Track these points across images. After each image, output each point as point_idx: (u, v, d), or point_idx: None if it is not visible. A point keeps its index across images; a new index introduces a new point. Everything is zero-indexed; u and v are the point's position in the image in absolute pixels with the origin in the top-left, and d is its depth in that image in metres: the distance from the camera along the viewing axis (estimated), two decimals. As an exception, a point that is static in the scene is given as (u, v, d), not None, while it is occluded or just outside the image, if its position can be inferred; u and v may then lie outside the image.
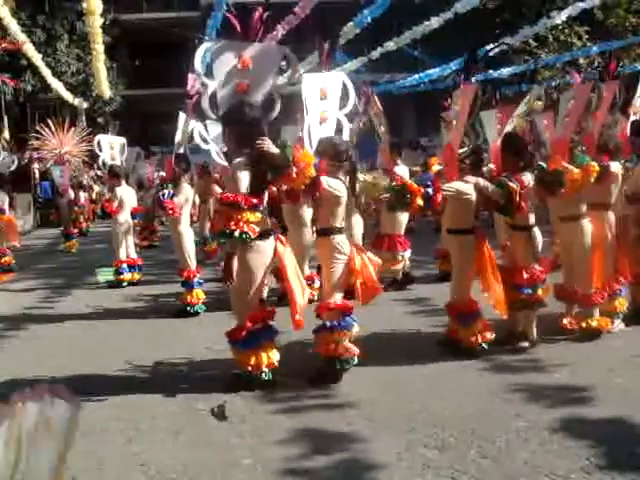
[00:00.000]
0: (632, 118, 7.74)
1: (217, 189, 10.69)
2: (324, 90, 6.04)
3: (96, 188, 24.84)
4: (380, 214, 9.23)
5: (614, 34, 20.36)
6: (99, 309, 8.98)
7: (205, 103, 5.78)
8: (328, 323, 5.42)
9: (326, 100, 6.06)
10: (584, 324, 6.40)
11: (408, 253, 9.33)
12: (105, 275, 11.05)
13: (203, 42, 6.05)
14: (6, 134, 18.42)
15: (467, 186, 5.92)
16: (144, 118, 34.31)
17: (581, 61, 19.41)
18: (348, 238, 5.74)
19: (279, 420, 4.73)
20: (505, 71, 18.20)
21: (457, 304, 6.08)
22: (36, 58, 15.31)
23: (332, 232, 5.50)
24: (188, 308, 8.26)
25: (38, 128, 20.87)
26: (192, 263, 8.53)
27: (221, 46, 5.67)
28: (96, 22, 11.93)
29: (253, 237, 5.02)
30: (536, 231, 6.18)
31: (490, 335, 5.97)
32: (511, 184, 5.83)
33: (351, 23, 12.72)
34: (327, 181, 5.34)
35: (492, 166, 6.97)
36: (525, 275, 6.09)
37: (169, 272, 10.89)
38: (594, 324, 6.38)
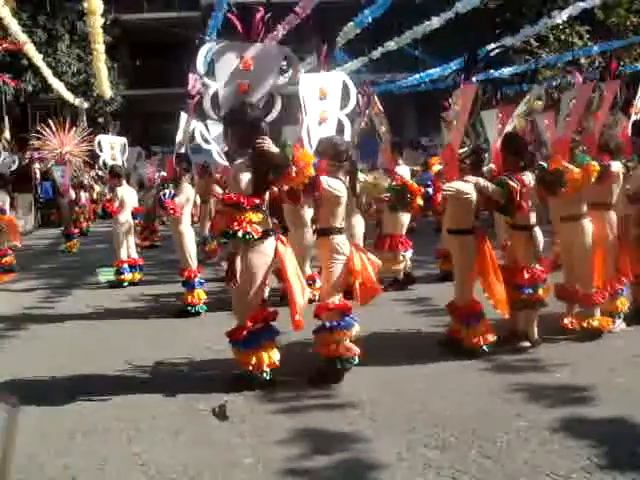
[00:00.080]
0: (633, 118, 7.73)
1: (217, 189, 10.68)
2: (323, 90, 6.03)
3: (97, 188, 24.84)
4: (381, 214, 9.24)
5: (615, 34, 20.35)
6: (100, 309, 8.98)
7: (207, 103, 5.78)
8: (328, 324, 5.41)
9: (326, 100, 6.05)
10: (585, 324, 6.39)
11: (409, 253, 9.33)
12: (106, 275, 11.05)
13: (204, 42, 6.06)
14: (7, 134, 18.43)
15: (467, 186, 5.91)
16: (145, 118, 34.35)
17: (582, 61, 19.39)
18: (348, 238, 5.74)
19: (280, 420, 4.73)
20: (506, 71, 18.21)
21: (460, 305, 6.07)
22: (37, 58, 15.32)
23: (332, 232, 5.50)
24: (189, 308, 8.26)
25: (39, 128, 20.88)
26: (193, 263, 8.53)
27: (223, 47, 5.66)
28: (97, 22, 11.93)
29: (256, 237, 5.03)
30: (537, 231, 6.17)
31: (492, 337, 5.97)
32: (511, 183, 5.83)
33: (352, 23, 12.72)
34: (327, 181, 5.34)
35: (492, 166, 6.97)
36: (526, 275, 6.08)
37: (170, 272, 10.88)
38: (595, 324, 6.38)
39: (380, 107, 8.97)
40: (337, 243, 5.47)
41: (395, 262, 9.18)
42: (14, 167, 15.91)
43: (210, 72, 5.89)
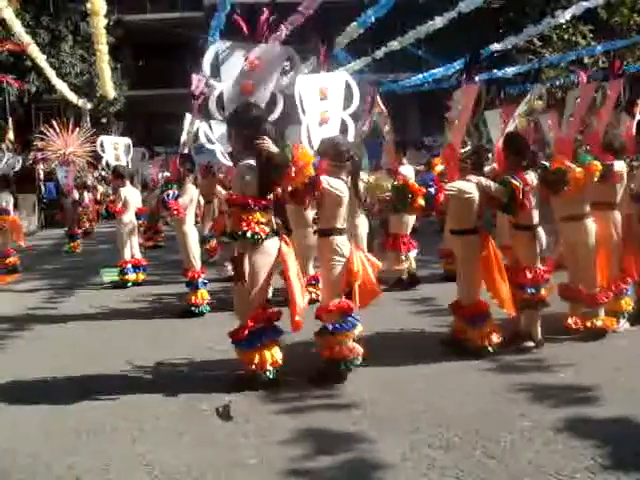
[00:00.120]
0: (638, 117, 7.71)
1: (221, 190, 10.68)
2: (324, 90, 6.02)
3: (100, 189, 24.89)
4: (384, 214, 9.23)
5: (618, 33, 20.31)
6: (103, 309, 8.99)
7: (212, 104, 5.80)
8: (330, 326, 5.40)
9: (327, 100, 6.04)
10: (589, 323, 6.38)
11: (413, 253, 9.33)
12: (109, 275, 11.08)
13: (209, 43, 6.08)
14: (10, 135, 18.47)
15: (469, 185, 5.90)
16: (148, 118, 34.40)
17: (585, 60, 19.38)
18: (351, 239, 5.73)
19: (283, 420, 4.73)
20: (509, 70, 18.17)
21: (465, 305, 6.06)
22: (40, 59, 15.30)
23: (332, 233, 5.47)
24: (193, 308, 8.26)
25: (42, 129, 20.92)
26: (197, 263, 8.53)
27: (229, 47, 5.68)
28: (100, 23, 11.92)
29: (264, 237, 5.05)
30: (540, 231, 6.17)
31: (498, 338, 5.96)
32: (514, 181, 5.83)
33: (355, 23, 12.70)
34: (328, 181, 5.32)
35: (495, 165, 6.96)
36: (528, 275, 6.08)
37: (173, 272, 10.88)
38: (599, 323, 6.38)
39: (383, 107, 8.95)
40: (337, 244, 5.45)
41: (398, 262, 9.19)
42: (18, 168, 15.92)
43: (216, 73, 5.92)
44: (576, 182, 6.02)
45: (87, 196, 20.39)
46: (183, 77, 12.04)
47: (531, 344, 6.14)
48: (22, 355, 6.87)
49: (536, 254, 6.15)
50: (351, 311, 5.44)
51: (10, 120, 20.83)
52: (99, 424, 4.75)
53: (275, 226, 5.32)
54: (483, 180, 5.97)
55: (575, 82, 9.68)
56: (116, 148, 12.36)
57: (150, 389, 5.49)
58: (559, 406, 4.74)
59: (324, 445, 4.26)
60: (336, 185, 5.37)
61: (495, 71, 17.08)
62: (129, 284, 10.57)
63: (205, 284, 8.48)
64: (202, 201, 11.65)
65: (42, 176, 25.18)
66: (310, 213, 7.82)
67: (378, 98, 8.71)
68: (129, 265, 10.66)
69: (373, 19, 12.22)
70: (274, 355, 5.27)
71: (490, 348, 5.91)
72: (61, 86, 18.81)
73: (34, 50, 14.70)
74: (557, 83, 19.01)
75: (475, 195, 5.90)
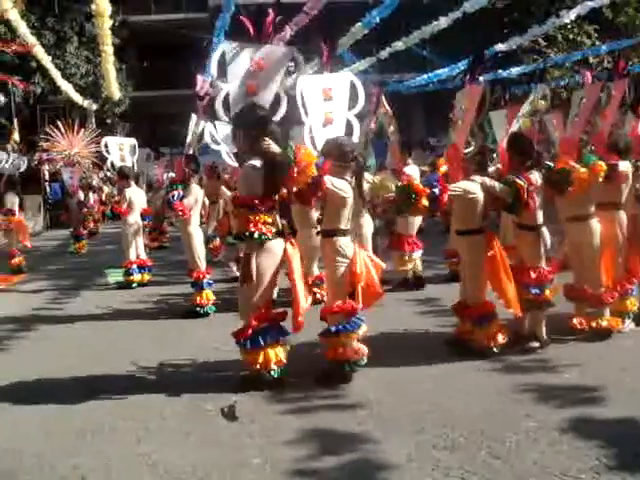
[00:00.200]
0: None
1: (225, 191, 10.69)
2: (327, 91, 6.02)
3: (106, 189, 24.92)
4: (388, 214, 9.22)
5: (624, 33, 20.26)
6: (108, 310, 9.01)
7: (219, 105, 5.81)
8: (333, 327, 5.40)
9: (331, 101, 6.04)
10: (594, 324, 6.38)
11: (418, 254, 9.32)
12: (115, 276, 11.10)
13: (212, 43, 6.10)
14: (16, 136, 18.48)
15: (474, 185, 5.89)
16: (153, 119, 34.44)
17: (591, 60, 19.32)
18: (355, 239, 5.72)
19: (288, 420, 4.73)
20: (514, 71, 18.14)
21: (472, 306, 6.04)
22: (46, 60, 15.32)
23: (335, 234, 5.47)
24: (198, 309, 8.27)
25: (48, 130, 20.95)
26: (202, 264, 8.54)
27: (236, 48, 5.69)
28: (105, 24, 11.92)
29: (271, 238, 5.07)
30: (544, 231, 6.16)
31: (503, 338, 5.95)
32: (518, 181, 5.82)
33: (359, 23, 12.69)
34: (332, 181, 5.30)
35: (499, 166, 6.95)
36: (532, 275, 6.07)
37: (179, 273, 10.89)
38: (604, 324, 6.37)
39: (388, 107, 8.95)
40: (340, 245, 5.44)
41: (402, 262, 9.19)
42: (23, 169, 15.95)
43: (222, 73, 5.93)
44: (580, 182, 6.01)
45: (92, 197, 20.42)
46: (188, 78, 12.07)
47: (536, 344, 6.13)
48: (27, 355, 6.89)
49: (540, 254, 6.14)
50: (355, 312, 5.44)
51: (15, 121, 20.84)
52: (104, 424, 4.76)
53: (281, 227, 5.33)
54: (487, 180, 5.97)
55: (580, 82, 9.65)
56: (121, 149, 12.38)
57: (155, 389, 5.50)
58: (564, 406, 4.74)
59: (329, 445, 4.26)
60: (340, 186, 5.36)
61: (500, 71, 17.06)
62: (134, 285, 10.58)
63: (210, 285, 8.49)
64: (207, 202, 11.67)
65: (47, 177, 25.20)
66: (315, 214, 7.84)
67: (383, 98, 8.71)
68: (134, 266, 10.67)
69: (378, 19, 12.21)
70: (278, 354, 5.28)
71: (495, 348, 5.90)
72: (66, 87, 18.84)
73: (39, 51, 14.72)
74: (562, 83, 18.96)
75: (480, 195, 5.89)
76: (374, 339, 6.09)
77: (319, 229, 5.70)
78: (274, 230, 5.15)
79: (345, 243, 5.46)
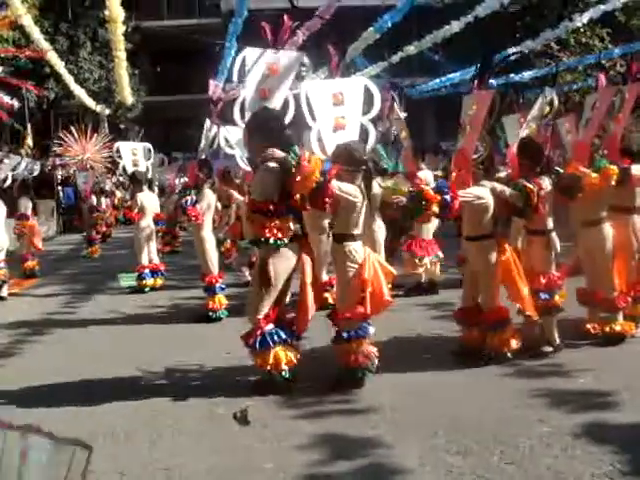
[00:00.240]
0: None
1: (237, 195, 10.69)
2: (338, 96, 6.00)
3: (118, 194, 25.01)
4: (400, 220, 9.19)
5: (637, 36, 20.17)
6: (121, 314, 9.03)
7: (236, 111, 5.85)
8: (345, 334, 5.40)
9: (342, 106, 6.01)
10: (608, 328, 6.35)
11: (431, 258, 9.26)
12: (127, 280, 11.13)
13: (231, 48, 6.13)
14: (29, 141, 18.58)
15: (484, 191, 5.86)
16: (165, 124, 34.57)
17: (603, 62, 19.24)
18: (367, 244, 5.70)
19: (301, 425, 4.73)
20: (526, 75, 18.11)
21: (487, 311, 6.01)
22: (59, 66, 15.41)
23: (345, 239, 5.46)
24: (210, 314, 8.28)
25: (61, 135, 21.04)
26: (214, 268, 8.55)
27: (255, 53, 5.73)
28: (118, 29, 11.98)
29: (286, 243, 5.10)
30: (554, 236, 6.14)
31: (517, 344, 5.92)
32: (529, 185, 5.81)
33: (371, 28, 12.70)
34: (339, 186, 5.26)
35: (510, 171, 6.93)
36: (542, 280, 6.05)
37: (191, 277, 10.91)
38: (618, 328, 6.34)
39: (399, 113, 8.92)
40: (350, 250, 5.42)
41: (412, 264, 9.14)
42: (36, 173, 16.03)
43: (242, 79, 5.97)
44: (592, 187, 5.99)
45: (104, 201, 20.49)
46: (200, 83, 12.11)
47: (549, 349, 6.11)
48: (40, 359, 6.91)
49: (550, 260, 6.12)
50: (366, 318, 5.43)
51: (29, 126, 20.96)
52: (117, 428, 4.78)
53: (296, 231, 5.36)
54: (497, 185, 5.95)
55: (593, 86, 9.61)
56: (135, 154, 12.40)
57: (168, 394, 5.51)
58: (578, 411, 4.72)
59: (341, 450, 4.26)
60: (348, 190, 5.33)
61: (512, 75, 17.03)
62: (147, 289, 10.60)
63: (223, 289, 8.50)
64: (219, 206, 11.68)
65: (59, 181, 25.30)
66: (327, 219, 7.84)
67: (395, 104, 8.69)
68: (147, 270, 10.69)
69: (389, 24, 12.21)
70: (288, 354, 5.29)
71: (509, 354, 5.88)
72: (79, 92, 18.95)
73: (53, 57, 14.81)
74: (574, 87, 18.90)
75: (490, 201, 5.86)
76: (387, 343, 6.09)
77: (331, 233, 5.71)
78: (288, 235, 5.17)
79: (355, 248, 5.44)
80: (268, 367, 5.23)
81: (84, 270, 14.32)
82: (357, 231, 5.49)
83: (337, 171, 5.33)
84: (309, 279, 5.34)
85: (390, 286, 5.81)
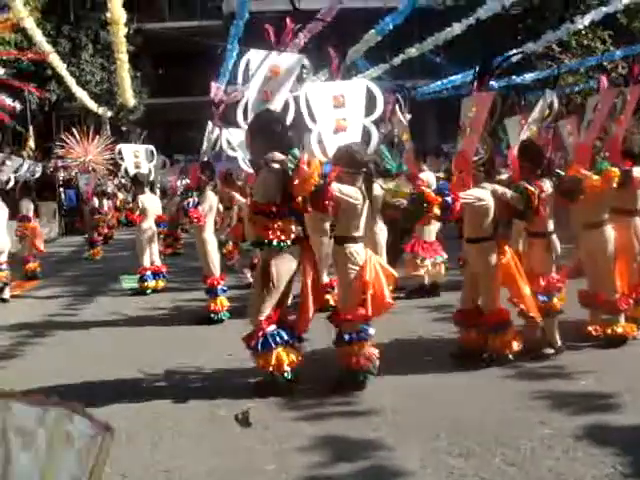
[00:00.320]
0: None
1: (238, 197, 10.70)
2: (339, 98, 5.99)
3: (120, 196, 25.03)
4: (400, 222, 9.18)
5: (638, 38, 20.16)
6: (123, 316, 9.04)
7: (240, 113, 5.86)
8: (347, 336, 5.40)
9: (343, 108, 6.01)
10: (609, 330, 6.34)
11: (433, 260, 9.25)
12: (129, 282, 11.12)
13: (232, 51, 6.15)
14: (31, 143, 18.58)
15: (485, 193, 5.86)
16: (167, 126, 34.59)
17: (605, 64, 19.23)
18: (369, 246, 5.70)
19: (302, 427, 4.73)
20: (528, 77, 18.11)
21: (488, 313, 6.00)
22: (61, 68, 15.42)
23: (346, 241, 5.45)
24: (212, 315, 8.29)
25: (63, 137, 21.06)
26: (216, 270, 8.56)
27: (260, 56, 5.74)
28: (120, 32, 11.98)
29: (289, 244, 5.11)
30: (554, 238, 6.14)
31: (518, 346, 5.91)
32: (530, 187, 5.81)
33: (373, 30, 12.70)
34: (339, 188, 5.25)
35: (511, 173, 6.93)
36: (542, 282, 6.05)
37: (193, 279, 10.92)
38: (619, 330, 6.33)
39: (401, 116, 8.92)
40: (351, 252, 5.41)
41: (413, 265, 9.13)
42: (38, 175, 16.05)
43: (246, 82, 5.97)
44: (593, 190, 5.99)
45: (106, 203, 20.51)
46: (202, 85, 12.12)
47: (551, 351, 6.11)
48: (42, 361, 6.92)
49: (550, 262, 6.12)
50: (368, 320, 5.43)
51: (31, 128, 20.96)
52: (118, 430, 4.72)
53: (298, 233, 5.37)
54: (498, 187, 5.95)
55: (595, 88, 9.61)
56: (137, 156, 12.40)
57: (169, 395, 5.51)
58: (579, 413, 4.72)
59: (343, 452, 4.26)
60: (348, 192, 5.31)
61: (514, 77, 17.02)
62: (149, 291, 10.61)
63: (224, 291, 8.51)
64: (221, 208, 11.68)
65: (61, 183, 25.34)
66: (328, 221, 7.84)
67: (397, 107, 8.69)
68: (149, 272, 10.70)
69: (391, 26, 12.21)
70: (290, 355, 5.29)
71: (511, 356, 5.88)
72: (81, 94, 18.96)
73: (55, 59, 14.82)
74: (576, 89, 18.90)
75: (490, 203, 5.86)
76: (387, 346, 6.09)
77: (332, 235, 5.71)
78: (292, 237, 5.18)
79: (356, 250, 5.43)
80: (270, 368, 5.24)
81: (86, 272, 14.33)
82: (358, 233, 5.48)
83: (337, 173, 5.33)
84: (310, 280, 5.34)
85: (391, 288, 5.80)
